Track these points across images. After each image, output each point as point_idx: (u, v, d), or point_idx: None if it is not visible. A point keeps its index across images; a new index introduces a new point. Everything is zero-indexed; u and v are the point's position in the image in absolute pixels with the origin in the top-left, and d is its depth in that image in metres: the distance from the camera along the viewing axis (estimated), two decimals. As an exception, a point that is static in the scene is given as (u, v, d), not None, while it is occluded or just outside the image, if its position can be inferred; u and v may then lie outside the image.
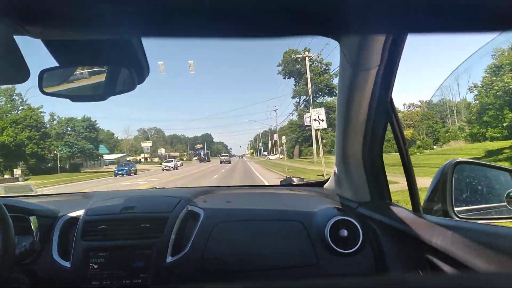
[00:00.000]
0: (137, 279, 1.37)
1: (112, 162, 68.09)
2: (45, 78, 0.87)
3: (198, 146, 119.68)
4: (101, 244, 1.42)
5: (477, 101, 30.45)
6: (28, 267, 1.37)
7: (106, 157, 74.09)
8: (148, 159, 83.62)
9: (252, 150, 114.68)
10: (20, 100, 38.61)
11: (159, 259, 1.39)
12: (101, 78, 0.90)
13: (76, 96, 0.93)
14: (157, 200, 1.70)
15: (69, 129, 44.20)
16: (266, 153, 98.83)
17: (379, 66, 1.10)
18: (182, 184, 16.60)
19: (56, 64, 0.81)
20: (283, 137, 30.74)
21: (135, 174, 30.81)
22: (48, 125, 41.13)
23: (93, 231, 1.45)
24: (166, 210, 1.53)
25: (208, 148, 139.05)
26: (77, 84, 0.90)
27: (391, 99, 1.24)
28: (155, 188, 2.16)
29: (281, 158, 51.31)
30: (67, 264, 1.39)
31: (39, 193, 2.30)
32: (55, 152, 38.87)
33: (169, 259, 1.39)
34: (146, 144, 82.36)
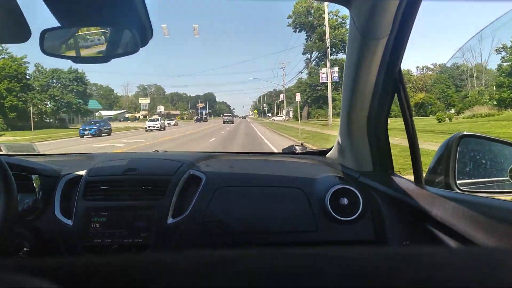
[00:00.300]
0: (138, 238, 1.39)
1: (109, 119, 64.01)
2: (47, 38, 0.85)
3: (200, 105, 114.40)
4: (102, 204, 1.44)
5: (506, 63, 28.97)
6: (31, 224, 1.39)
7: (104, 113, 72.56)
8: (147, 117, 78.67)
9: (255, 111, 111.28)
10: (0, 48, 33.62)
11: (160, 220, 1.41)
12: (104, 39, 0.88)
13: (78, 57, 0.91)
14: (160, 163, 1.71)
15: (54, 81, 39.64)
16: (270, 114, 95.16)
17: (389, 35, 1.07)
18: (168, 148, 15.94)
19: (58, 24, 0.79)
20: (298, 95, 25.84)
21: (109, 134, 24.93)
22: (31, 77, 37.05)
23: (95, 191, 1.47)
24: (168, 173, 1.54)
25: (210, 107, 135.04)
26: (79, 46, 0.88)
27: (400, 69, 1.21)
28: (157, 151, 2.17)
29: (286, 120, 49.89)
30: (69, 222, 1.41)
31: (41, 153, 2.31)
32: (39, 106, 36.09)
33: (170, 220, 1.41)
34: (144, 101, 78.70)
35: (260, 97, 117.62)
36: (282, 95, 54.21)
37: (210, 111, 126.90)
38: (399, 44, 1.12)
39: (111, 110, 79.70)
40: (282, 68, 49.78)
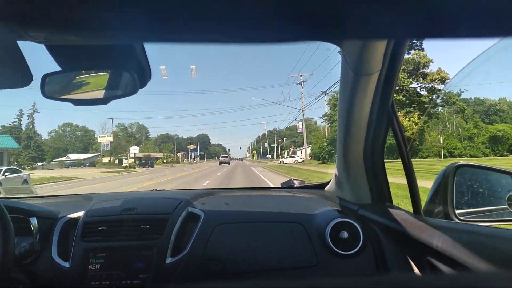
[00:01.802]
0: (137, 279, 1.37)
1: (72, 164, 59.32)
2: (48, 83, 0.88)
3: (191, 146, 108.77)
4: (101, 245, 1.42)
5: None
6: (28, 268, 1.37)
7: (72, 157, 68.34)
8: (138, 161, 66.94)
9: (254, 152, 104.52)
10: None
11: (159, 260, 1.39)
12: (103, 82, 0.90)
13: (78, 100, 0.94)
14: (157, 202, 1.70)
15: None
16: (269, 156, 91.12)
17: (380, 71, 1.11)
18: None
19: (59, 68, 0.82)
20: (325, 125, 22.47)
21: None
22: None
23: (93, 232, 1.45)
24: (166, 211, 1.53)
25: (204, 149, 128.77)
26: (79, 88, 0.90)
27: (393, 103, 1.24)
28: (155, 190, 2.16)
29: (299, 162, 43.22)
30: (66, 264, 1.39)
31: (39, 195, 2.30)
32: None
33: (169, 260, 1.39)
34: (105, 139, 64.30)
35: (259, 136, 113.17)
36: (300, 124, 42.50)
37: (202, 153, 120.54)
38: (390, 79, 1.15)
39: (86, 153, 75.35)
40: (301, 83, 39.86)
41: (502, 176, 1.33)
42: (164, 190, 2.20)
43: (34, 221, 1.44)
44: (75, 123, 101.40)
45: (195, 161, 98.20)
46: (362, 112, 1.26)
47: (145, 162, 55.36)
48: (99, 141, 65.93)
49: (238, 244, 1.44)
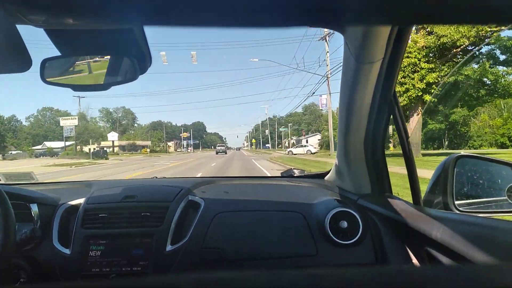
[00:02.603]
0: (137, 266, 1.38)
1: (43, 153, 51.56)
2: (47, 67, 0.87)
3: (184, 134, 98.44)
4: (101, 232, 1.43)
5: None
6: (29, 254, 1.38)
7: (50, 145, 61.50)
8: (80, 148, 55.85)
9: (253, 140, 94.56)
10: None
11: (159, 247, 1.40)
12: (103, 67, 0.89)
13: (78, 85, 0.93)
14: (158, 190, 1.70)
15: None
16: (269, 145, 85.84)
17: (383, 59, 1.10)
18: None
19: (58, 53, 0.81)
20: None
21: None
22: None
23: (94, 219, 1.46)
24: (167, 199, 1.54)
25: (199, 138, 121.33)
26: (79, 74, 0.90)
27: (394, 91, 1.23)
28: (156, 178, 2.17)
29: (313, 153, 37.09)
30: (67, 251, 1.40)
31: (40, 181, 2.31)
32: None
33: (168, 247, 1.40)
34: (67, 122, 49.60)
35: (258, 125, 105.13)
36: (324, 100, 30.10)
37: (197, 142, 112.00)
38: (393, 67, 1.14)
39: (68, 140, 60.30)
40: (325, 37, 26.04)
41: (503, 168, 1.32)
42: (165, 178, 2.21)
43: (34, 208, 1.45)
44: (56, 107, 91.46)
45: (188, 150, 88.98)
46: (363, 100, 1.25)
47: (98, 151, 44.01)
48: (61, 124, 52.55)
49: (237, 232, 1.44)
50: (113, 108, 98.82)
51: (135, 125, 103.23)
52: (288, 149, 43.30)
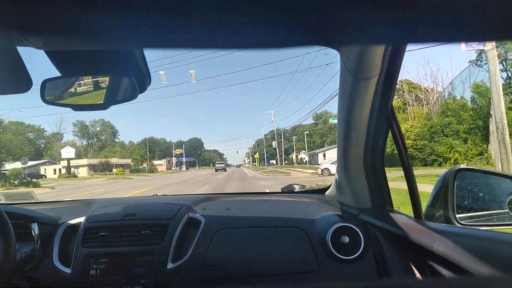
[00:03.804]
0: (138, 285, 1.37)
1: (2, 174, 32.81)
2: (47, 88, 0.88)
3: (177, 151, 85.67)
4: (101, 251, 1.42)
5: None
6: (29, 274, 1.37)
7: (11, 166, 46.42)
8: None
9: (257, 155, 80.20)
10: None
11: (160, 265, 1.39)
12: (103, 87, 0.91)
13: (78, 105, 0.94)
14: (158, 207, 1.70)
15: None
16: (273, 161, 75.33)
17: (379, 75, 1.11)
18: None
19: (58, 74, 0.82)
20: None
21: None
22: None
23: (94, 237, 1.45)
24: (167, 216, 1.53)
25: (196, 155, 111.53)
26: (78, 94, 0.91)
27: (392, 106, 1.24)
28: (156, 195, 2.16)
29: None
30: (67, 270, 1.39)
31: (40, 200, 2.30)
32: None
33: (169, 265, 1.39)
34: None
35: (261, 139, 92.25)
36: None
37: (192, 159, 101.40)
38: (389, 83, 1.16)
39: (40, 159, 57.77)
40: None
41: (503, 180, 1.32)
42: (165, 195, 2.20)
43: (35, 227, 1.45)
44: (28, 122, 75.33)
45: (183, 169, 79.66)
46: (361, 116, 1.26)
47: (28, 174, 31.57)
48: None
49: (239, 249, 1.43)
50: (90, 121, 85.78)
51: (116, 140, 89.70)
52: (323, 166, 26.15)
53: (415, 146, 27.67)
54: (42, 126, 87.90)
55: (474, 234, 0.95)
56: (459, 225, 1.18)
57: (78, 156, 63.55)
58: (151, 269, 1.38)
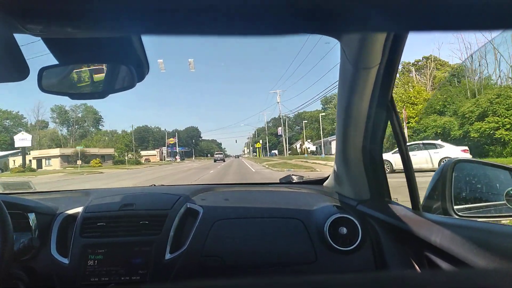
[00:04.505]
0: (136, 275, 1.37)
1: None
2: (45, 76, 0.87)
3: (171, 140, 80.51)
4: (99, 241, 1.42)
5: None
6: (27, 264, 1.37)
7: None
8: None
9: (258, 144, 67.70)
10: None
11: (158, 255, 1.39)
12: (101, 75, 0.90)
13: (76, 93, 0.93)
14: (156, 197, 1.70)
15: None
16: (276, 151, 70.35)
17: (379, 65, 1.11)
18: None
19: (55, 62, 0.81)
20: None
21: None
22: None
23: (92, 228, 1.45)
24: (165, 207, 1.53)
25: (193, 145, 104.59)
26: (76, 82, 0.90)
27: (392, 97, 1.24)
28: (154, 185, 2.16)
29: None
30: (65, 260, 1.40)
31: (38, 190, 2.30)
32: None
33: (168, 256, 1.39)
34: None
35: (262, 127, 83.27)
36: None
37: (186, 149, 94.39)
38: (390, 73, 1.15)
39: (13, 148, 49.16)
40: None
41: (501, 172, 1.33)
42: (163, 185, 2.20)
43: (32, 217, 1.44)
44: (5, 108, 69.67)
45: (177, 159, 73.59)
46: (361, 106, 1.26)
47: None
48: None
49: (237, 239, 1.44)
50: (71, 106, 75.91)
51: (99, 128, 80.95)
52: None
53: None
54: (21, 112, 79.18)
55: (471, 225, 0.95)
56: (456, 217, 1.18)
57: (58, 145, 58.31)
58: (149, 259, 1.39)
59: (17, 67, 0.58)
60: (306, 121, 65.54)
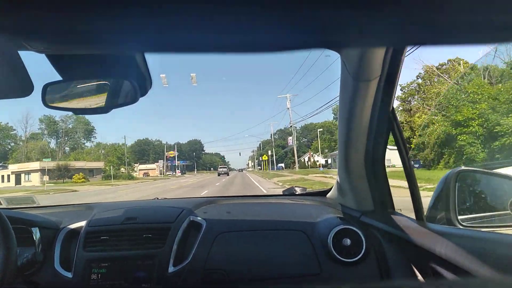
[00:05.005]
0: None
1: None
2: (49, 92, 0.88)
3: (170, 154, 77.78)
4: (103, 255, 1.42)
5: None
6: (30, 278, 1.37)
7: None
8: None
9: (264, 157, 63.67)
10: None
11: (161, 269, 1.38)
12: (104, 91, 0.91)
13: (79, 109, 0.94)
14: (159, 211, 1.70)
15: None
16: (282, 164, 67.43)
17: (380, 77, 1.11)
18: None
19: (59, 78, 0.82)
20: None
21: None
22: None
23: (95, 241, 1.45)
24: (168, 220, 1.53)
25: (196, 158, 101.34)
26: (80, 97, 0.91)
27: (393, 108, 1.24)
28: (157, 199, 2.16)
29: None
30: (69, 274, 1.39)
31: (41, 205, 2.30)
32: None
33: (171, 269, 1.39)
34: None
35: (271, 134, 76.77)
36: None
37: (188, 162, 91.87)
38: (390, 84, 1.16)
39: (4, 162, 48.10)
40: None
41: (504, 181, 1.32)
42: (166, 198, 2.20)
43: (36, 232, 1.44)
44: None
45: (177, 174, 69.72)
46: (362, 118, 1.26)
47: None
48: None
49: (240, 252, 1.43)
50: (61, 117, 70.03)
51: (91, 140, 75.06)
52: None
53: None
54: (10, 124, 70.40)
55: (476, 235, 0.95)
56: (461, 227, 1.18)
57: (47, 158, 52.28)
58: (152, 273, 1.38)
59: (21, 84, 0.59)
60: (321, 130, 61.75)
